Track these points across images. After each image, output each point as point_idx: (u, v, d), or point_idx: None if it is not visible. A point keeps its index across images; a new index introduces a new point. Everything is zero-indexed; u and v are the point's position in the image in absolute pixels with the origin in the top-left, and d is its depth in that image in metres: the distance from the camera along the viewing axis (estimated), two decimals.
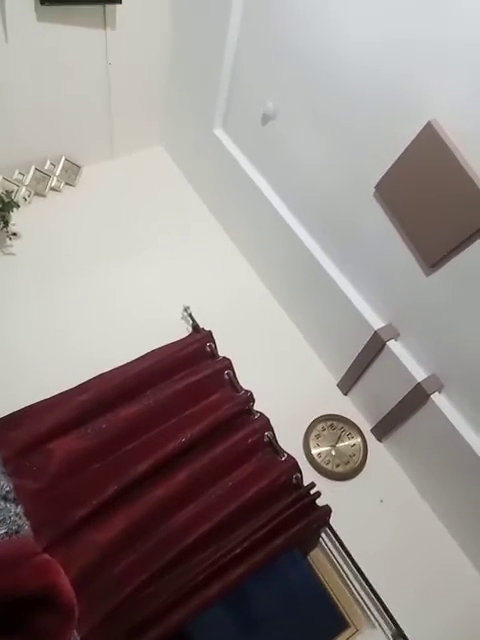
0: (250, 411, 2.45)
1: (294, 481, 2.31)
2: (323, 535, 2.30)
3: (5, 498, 1.94)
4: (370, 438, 2.56)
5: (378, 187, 2.04)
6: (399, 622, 2.09)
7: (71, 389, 2.31)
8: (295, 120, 2.33)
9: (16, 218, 2.75)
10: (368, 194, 2.09)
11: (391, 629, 2.13)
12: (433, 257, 1.93)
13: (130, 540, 2.04)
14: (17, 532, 1.89)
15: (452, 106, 1.68)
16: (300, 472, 2.33)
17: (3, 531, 1.85)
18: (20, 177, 2.93)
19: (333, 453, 2.49)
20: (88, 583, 1.93)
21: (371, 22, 1.82)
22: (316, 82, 2.13)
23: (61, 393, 2.30)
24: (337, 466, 2.46)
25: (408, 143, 1.83)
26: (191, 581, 1.98)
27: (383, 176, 1.99)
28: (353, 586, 2.22)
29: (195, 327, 2.64)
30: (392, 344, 2.28)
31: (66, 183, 3.09)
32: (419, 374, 2.21)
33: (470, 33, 1.55)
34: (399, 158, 1.89)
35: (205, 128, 2.88)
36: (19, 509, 1.95)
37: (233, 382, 2.50)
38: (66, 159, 3.04)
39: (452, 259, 1.88)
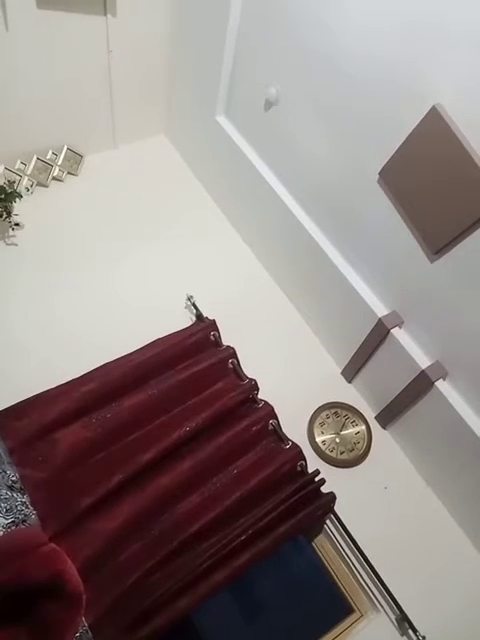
0: (254, 399, 2.45)
1: (299, 468, 2.32)
2: (328, 522, 2.32)
3: (11, 488, 1.96)
4: (374, 425, 2.57)
5: (382, 173, 2.02)
6: (403, 606, 2.11)
7: (76, 379, 2.32)
8: (298, 106, 2.31)
9: (19, 208, 2.74)
10: (372, 180, 2.08)
11: (395, 613, 2.15)
12: (437, 243, 1.92)
13: (136, 528, 2.06)
14: (24, 521, 1.91)
15: (457, 90, 1.66)
16: (305, 460, 2.34)
17: (10, 520, 1.88)
18: (22, 167, 2.92)
19: (337, 440, 2.50)
20: (95, 571, 1.95)
21: (374, 5, 1.79)
22: (319, 67, 2.10)
23: (66, 383, 2.30)
24: (341, 453, 2.46)
25: (412, 128, 1.81)
26: (197, 568, 1.99)
27: (387, 162, 1.97)
28: (357, 572, 2.24)
29: (199, 316, 2.64)
30: (396, 331, 2.27)
31: (68, 173, 3.07)
32: (423, 361, 2.20)
33: (475, 15, 1.52)
34: (403, 144, 1.87)
35: (207, 115, 2.85)
36: (25, 498, 1.97)
37: (237, 371, 2.50)
38: (68, 148, 3.02)
39: (456, 245, 1.87)
